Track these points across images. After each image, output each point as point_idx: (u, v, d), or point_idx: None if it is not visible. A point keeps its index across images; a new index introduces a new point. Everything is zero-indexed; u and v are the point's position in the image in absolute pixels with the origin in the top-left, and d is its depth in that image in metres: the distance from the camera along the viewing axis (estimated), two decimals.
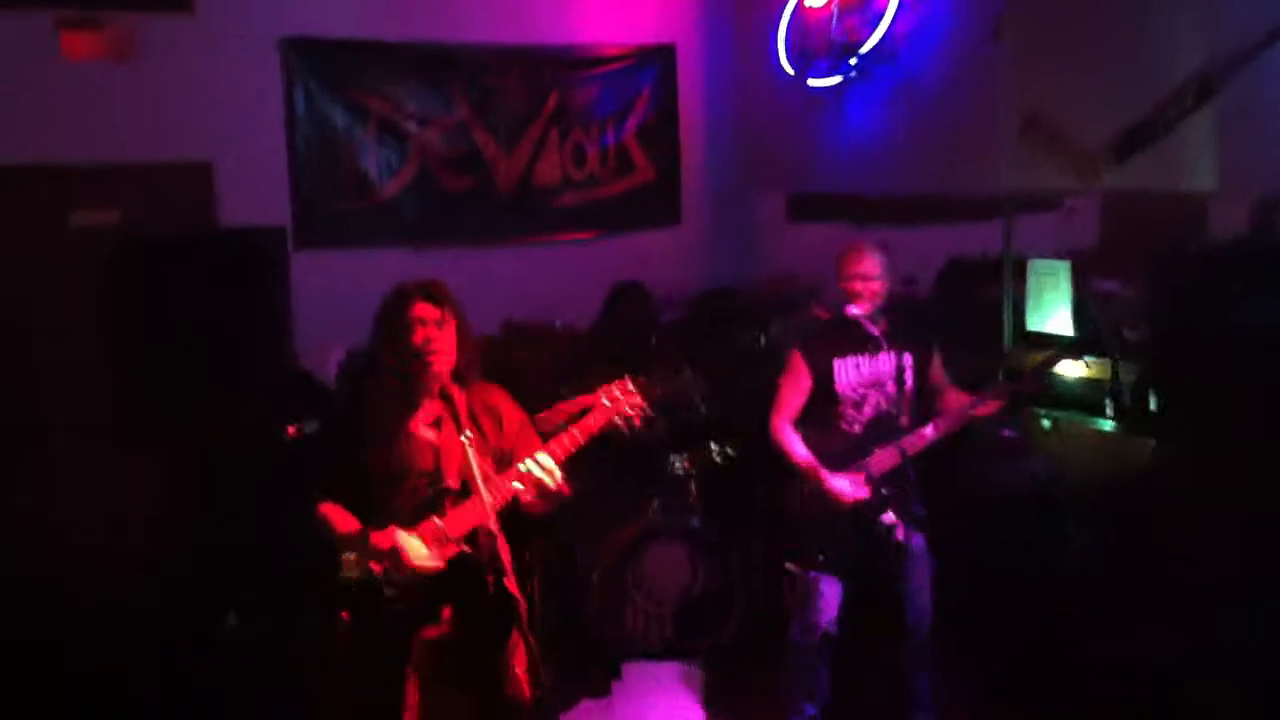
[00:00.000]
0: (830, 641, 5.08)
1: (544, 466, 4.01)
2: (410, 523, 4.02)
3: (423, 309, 4.11)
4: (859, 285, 4.99)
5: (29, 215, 6.71)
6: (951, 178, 6.98)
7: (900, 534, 4.91)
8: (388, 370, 4.17)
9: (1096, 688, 5.12)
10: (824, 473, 4.93)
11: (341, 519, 4.07)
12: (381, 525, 4.01)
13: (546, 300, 7.64)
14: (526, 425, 4.28)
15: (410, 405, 4.17)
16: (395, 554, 3.95)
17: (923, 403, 5.15)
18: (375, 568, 3.96)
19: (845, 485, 4.91)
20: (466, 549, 4.01)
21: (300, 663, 5.07)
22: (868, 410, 5.03)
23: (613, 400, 4.15)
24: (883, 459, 4.94)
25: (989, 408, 5.05)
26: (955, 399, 5.13)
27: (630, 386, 4.18)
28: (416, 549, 3.96)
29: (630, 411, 4.14)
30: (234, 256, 6.04)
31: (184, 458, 5.52)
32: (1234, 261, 5.59)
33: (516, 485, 4.02)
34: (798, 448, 5.03)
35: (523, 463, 4.02)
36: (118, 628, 5.43)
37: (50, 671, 5.25)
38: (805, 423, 5.11)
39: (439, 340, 4.10)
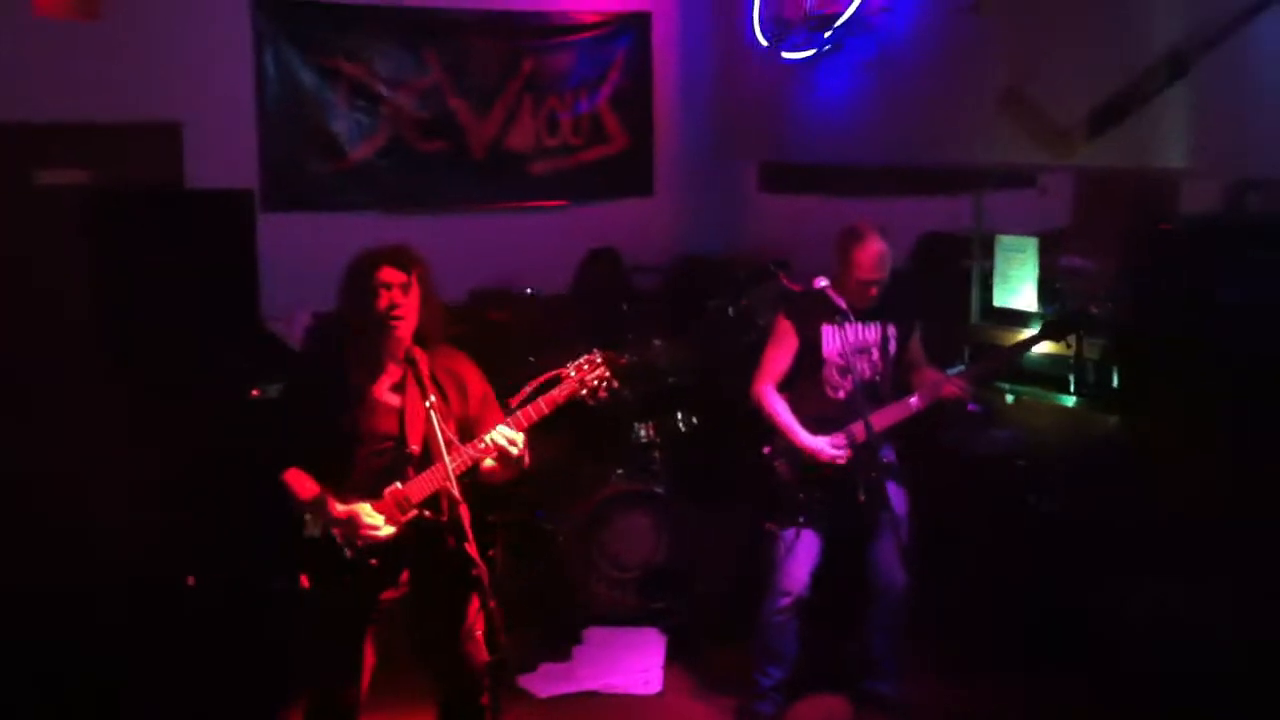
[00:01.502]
0: (802, 605, 5.09)
1: (507, 437, 4.03)
2: (372, 487, 4.02)
3: (388, 273, 4.09)
4: (874, 282, 4.93)
5: None
6: (925, 151, 6.98)
7: (882, 495, 4.92)
8: (352, 334, 4.15)
9: (1054, 653, 5.18)
10: (805, 435, 4.95)
11: (302, 484, 4.06)
12: (344, 489, 4.01)
13: (517, 267, 7.64)
14: (490, 395, 4.28)
15: (374, 369, 4.15)
16: (351, 522, 3.95)
17: (899, 373, 5.15)
18: (335, 532, 3.96)
19: (825, 445, 4.93)
20: (427, 514, 4.01)
21: (261, 625, 5.06)
22: (852, 377, 5.01)
23: (579, 371, 4.15)
24: (864, 425, 4.94)
25: (954, 388, 5.02)
26: (928, 375, 5.12)
27: (598, 359, 4.18)
28: (372, 517, 3.97)
29: (595, 383, 4.15)
30: (201, 218, 5.98)
31: (146, 419, 5.48)
32: (1203, 240, 5.62)
33: (481, 451, 4.02)
34: (781, 411, 5.04)
35: (487, 434, 4.03)
36: (77, 585, 5.42)
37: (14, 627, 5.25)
38: (791, 388, 5.11)
39: (404, 305, 4.08)
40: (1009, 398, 5.99)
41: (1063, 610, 5.26)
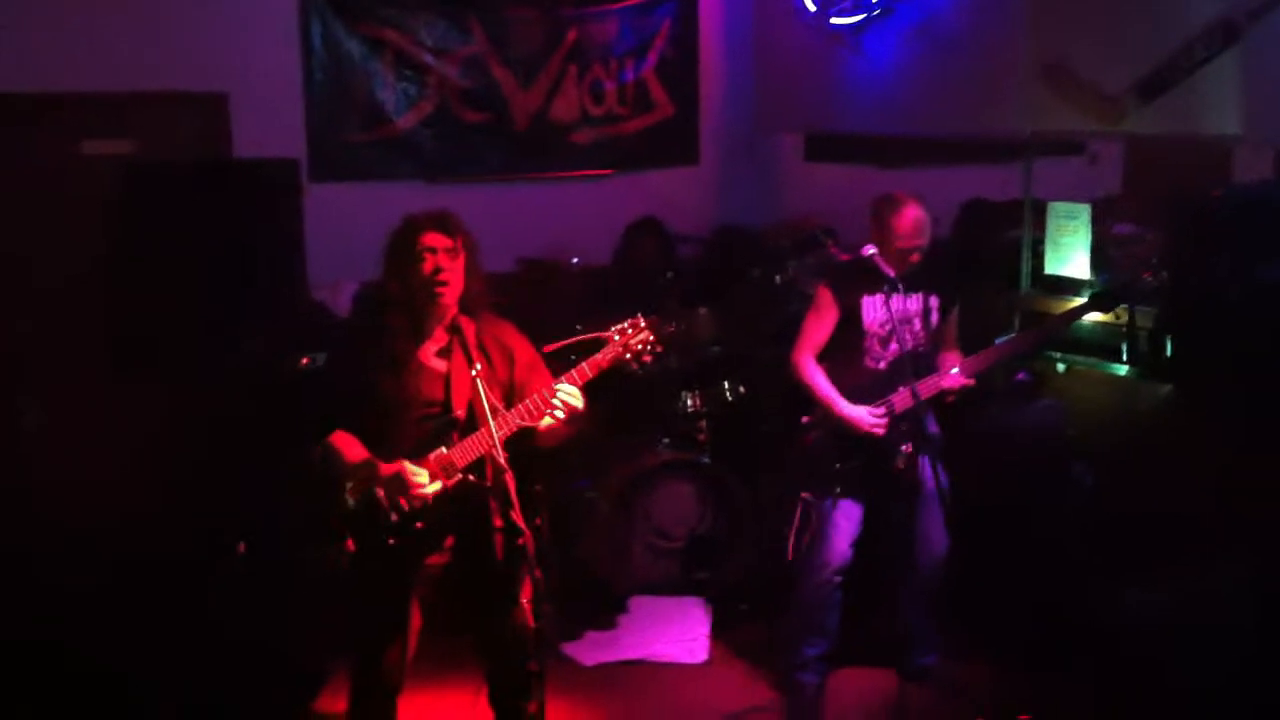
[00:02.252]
0: (844, 574, 5.07)
1: (569, 393, 4.03)
2: (417, 452, 4.03)
3: (433, 238, 4.09)
4: (914, 249, 4.88)
5: (40, 144, 6.71)
6: (972, 119, 6.90)
7: (919, 468, 4.88)
8: (397, 300, 4.15)
9: (1098, 632, 5.12)
10: (844, 405, 4.92)
11: (350, 448, 4.07)
12: (389, 454, 4.02)
13: (562, 237, 7.62)
14: (538, 361, 4.28)
15: (420, 335, 4.16)
16: (399, 481, 3.96)
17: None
18: (380, 494, 3.97)
19: (865, 416, 4.89)
20: (471, 479, 4.01)
21: (307, 591, 5.09)
22: (893, 347, 4.96)
23: (623, 336, 4.13)
24: (906, 396, 4.90)
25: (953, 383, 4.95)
26: (952, 358, 5.07)
27: (642, 323, 4.15)
28: (420, 477, 3.97)
29: (640, 348, 4.13)
30: (247, 187, 6.00)
31: (192, 388, 5.51)
32: (1256, 207, 5.53)
33: (535, 412, 4.03)
34: (820, 381, 5.00)
35: (548, 389, 4.03)
36: (121, 557, 5.47)
37: (49, 602, 5.30)
38: (830, 358, 5.07)
39: (449, 270, 4.08)
40: (1060, 366, 5.92)
41: (1109, 587, 5.20)
